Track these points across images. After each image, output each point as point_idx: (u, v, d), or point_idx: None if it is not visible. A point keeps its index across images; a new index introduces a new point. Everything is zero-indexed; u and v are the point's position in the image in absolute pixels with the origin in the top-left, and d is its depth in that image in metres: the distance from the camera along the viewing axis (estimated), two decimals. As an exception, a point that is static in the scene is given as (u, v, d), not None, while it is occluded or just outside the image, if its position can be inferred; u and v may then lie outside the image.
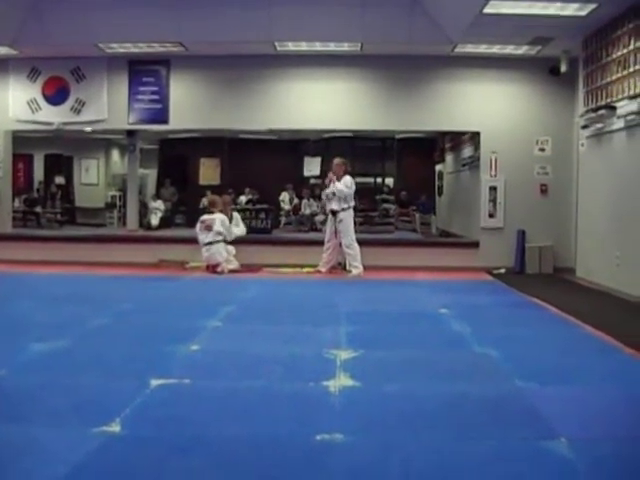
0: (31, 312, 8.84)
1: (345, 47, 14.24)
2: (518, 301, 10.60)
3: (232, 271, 13.38)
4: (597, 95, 12.31)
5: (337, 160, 13.64)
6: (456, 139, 20.30)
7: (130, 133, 18.49)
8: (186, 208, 22.97)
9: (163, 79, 15.21)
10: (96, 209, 24.66)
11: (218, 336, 7.55)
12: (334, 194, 13.27)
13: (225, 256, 13.46)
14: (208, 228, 13.41)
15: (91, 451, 4.05)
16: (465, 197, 18.76)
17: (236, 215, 14.84)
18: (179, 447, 4.15)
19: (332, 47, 14.24)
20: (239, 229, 14.28)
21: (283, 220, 21.94)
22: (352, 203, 13.41)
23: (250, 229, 17.00)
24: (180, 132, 20.06)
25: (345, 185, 13.25)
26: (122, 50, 14.59)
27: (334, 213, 13.38)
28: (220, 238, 13.43)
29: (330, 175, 13.54)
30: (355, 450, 4.16)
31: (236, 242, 14.11)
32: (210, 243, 13.41)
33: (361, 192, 18.36)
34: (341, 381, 5.59)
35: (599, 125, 12.29)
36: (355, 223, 14.22)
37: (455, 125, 15.59)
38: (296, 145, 24.50)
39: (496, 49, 13.92)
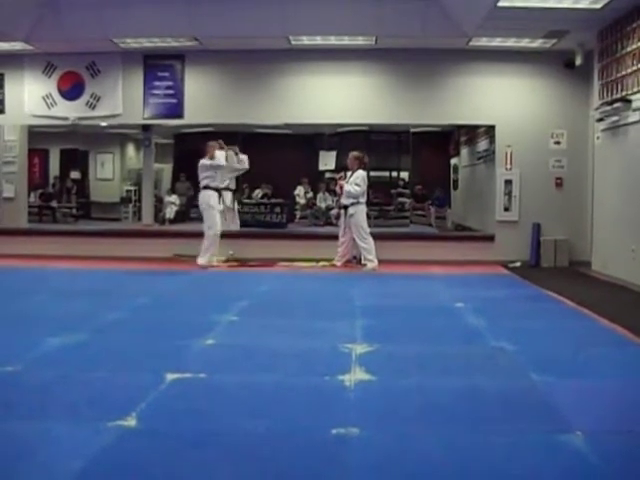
0: (46, 306, 8.90)
1: (360, 41, 14.23)
2: (533, 294, 10.58)
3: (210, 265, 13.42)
4: (612, 88, 12.26)
5: (352, 154, 13.59)
6: (471, 133, 20.30)
7: (145, 128, 18.56)
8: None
9: (178, 74, 15.23)
10: (111, 204, 24.72)
11: (233, 330, 7.57)
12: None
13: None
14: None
15: (107, 445, 4.07)
16: (480, 190, 18.74)
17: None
18: (195, 441, 4.16)
19: (346, 41, 14.22)
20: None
21: (298, 214, 21.94)
22: (363, 198, 13.37)
23: (265, 223, 17.07)
24: (195, 126, 20.08)
25: (355, 183, 13.21)
26: (137, 45, 14.62)
27: (345, 208, 13.39)
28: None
29: (341, 182, 13.61)
30: (371, 444, 4.16)
31: (251, 236, 14.16)
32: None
33: (376, 186, 18.39)
34: (357, 375, 5.60)
35: (614, 118, 12.24)
36: (370, 217, 14.23)
37: (470, 118, 15.55)
38: (311, 139, 24.43)
39: (511, 42, 13.87)
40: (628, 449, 4.14)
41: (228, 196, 14.06)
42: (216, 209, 13.42)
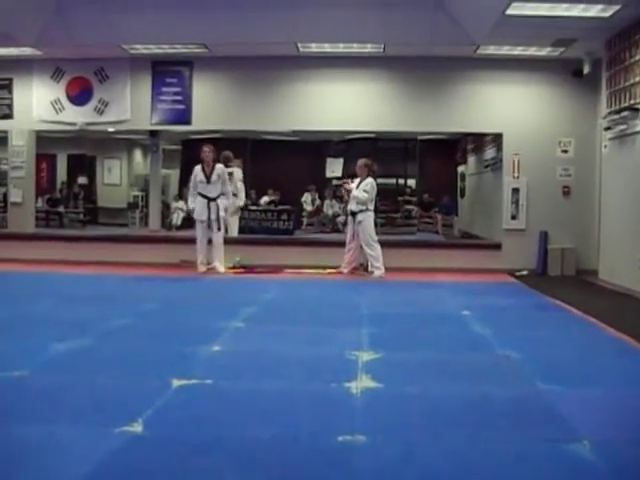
0: (53, 311, 8.90)
1: (368, 48, 14.23)
2: (540, 303, 10.55)
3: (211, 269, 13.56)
4: (620, 97, 12.26)
5: (361, 161, 13.61)
6: (478, 140, 20.27)
7: (153, 133, 18.57)
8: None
9: (186, 80, 15.24)
10: (119, 209, 24.79)
11: (240, 337, 7.56)
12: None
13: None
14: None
15: (113, 451, 4.07)
16: (487, 199, 18.72)
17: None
18: (200, 448, 4.16)
19: (355, 48, 14.22)
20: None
21: (305, 221, 21.96)
22: (371, 206, 13.38)
23: (272, 230, 17.08)
24: (203, 133, 20.09)
25: (364, 190, 13.23)
26: (145, 51, 14.64)
27: (353, 214, 13.39)
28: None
29: (347, 186, 13.65)
30: (377, 451, 4.15)
31: (257, 242, 14.16)
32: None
33: (383, 193, 18.35)
34: (363, 382, 5.59)
35: (622, 127, 12.23)
36: (377, 224, 14.22)
37: (477, 127, 15.52)
38: (318, 146, 24.46)
39: (519, 51, 13.86)
40: (636, 457, 4.13)
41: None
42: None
